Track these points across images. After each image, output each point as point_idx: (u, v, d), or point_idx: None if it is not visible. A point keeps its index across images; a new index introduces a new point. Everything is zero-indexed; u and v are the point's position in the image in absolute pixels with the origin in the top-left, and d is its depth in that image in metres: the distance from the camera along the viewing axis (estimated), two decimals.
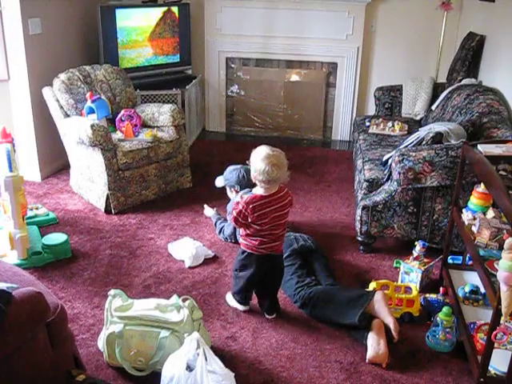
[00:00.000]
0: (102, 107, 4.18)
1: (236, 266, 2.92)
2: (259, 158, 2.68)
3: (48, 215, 3.90)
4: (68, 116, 4.23)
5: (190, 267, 3.38)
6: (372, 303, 2.76)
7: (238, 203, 2.74)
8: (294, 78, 6.05)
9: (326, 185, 4.78)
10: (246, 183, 3.75)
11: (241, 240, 2.89)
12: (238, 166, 3.85)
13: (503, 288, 2.01)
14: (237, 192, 3.80)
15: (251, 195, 2.75)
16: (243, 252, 2.85)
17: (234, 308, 2.99)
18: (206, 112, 6.29)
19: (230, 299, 3.02)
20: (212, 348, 2.48)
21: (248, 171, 3.79)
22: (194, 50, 5.92)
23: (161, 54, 5.55)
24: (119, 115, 4.31)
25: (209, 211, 4.01)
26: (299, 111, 6.13)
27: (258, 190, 2.75)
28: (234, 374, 2.22)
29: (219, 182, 3.98)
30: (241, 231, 2.86)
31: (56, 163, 4.82)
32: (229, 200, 3.87)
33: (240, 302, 2.98)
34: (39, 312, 1.97)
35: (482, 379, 2.26)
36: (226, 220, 3.77)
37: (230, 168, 3.90)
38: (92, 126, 3.84)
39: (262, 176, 2.66)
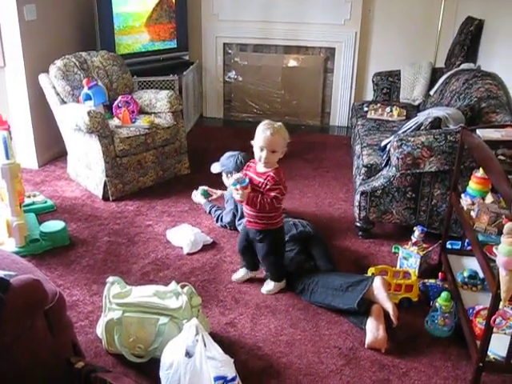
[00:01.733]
0: (98, 94, 4.16)
1: (275, 250, 2.98)
2: (276, 131, 2.75)
3: (45, 202, 3.89)
4: (65, 103, 4.21)
5: (188, 254, 3.38)
6: (371, 289, 2.75)
7: (274, 184, 2.75)
8: (292, 63, 6.02)
9: (324, 170, 4.77)
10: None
11: (272, 221, 2.89)
12: (235, 153, 3.84)
13: (502, 273, 2.01)
14: None
15: (276, 170, 2.80)
16: (280, 229, 2.96)
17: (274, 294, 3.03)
18: (203, 98, 6.27)
19: (271, 287, 3.03)
20: (211, 334, 2.48)
21: (246, 158, 3.79)
22: (191, 36, 5.87)
23: (158, 39, 5.50)
24: (116, 102, 4.28)
25: (199, 198, 4.00)
26: (297, 97, 6.10)
27: (274, 165, 2.82)
28: (233, 360, 2.22)
29: (215, 168, 3.96)
30: (272, 212, 2.85)
31: (53, 150, 4.80)
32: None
33: (282, 279, 3.05)
34: (37, 299, 1.97)
35: (480, 364, 2.27)
36: (219, 208, 3.76)
37: (227, 154, 3.88)
38: (89, 112, 3.81)
39: (287, 140, 2.82)
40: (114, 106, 4.29)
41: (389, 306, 2.68)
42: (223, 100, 6.26)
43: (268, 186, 2.77)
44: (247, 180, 2.76)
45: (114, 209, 3.94)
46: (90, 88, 4.10)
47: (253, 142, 2.80)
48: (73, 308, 2.82)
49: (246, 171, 2.88)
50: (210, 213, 3.83)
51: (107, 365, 2.45)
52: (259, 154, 2.77)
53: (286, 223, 3.31)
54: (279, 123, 2.80)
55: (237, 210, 3.57)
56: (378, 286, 2.75)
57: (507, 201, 2.09)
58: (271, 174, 2.77)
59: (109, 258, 3.32)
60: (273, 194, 2.76)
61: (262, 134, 2.73)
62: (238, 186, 2.74)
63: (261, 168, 2.81)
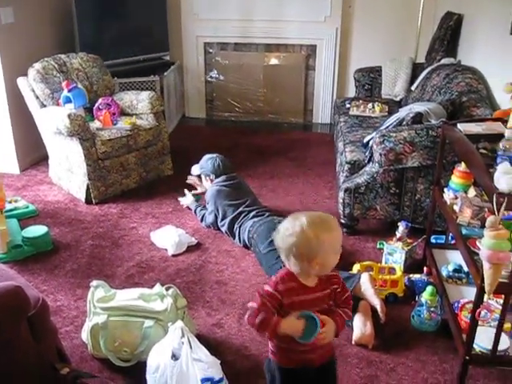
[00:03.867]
0: (78, 96, 4.12)
1: None
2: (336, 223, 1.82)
3: (27, 207, 3.85)
4: (44, 106, 4.16)
5: (173, 255, 3.36)
6: (358, 285, 2.77)
7: (341, 281, 1.91)
8: (274, 61, 6.01)
9: (307, 168, 4.77)
10: (220, 172, 3.74)
11: None
12: (214, 155, 3.84)
13: (486, 266, 2.01)
14: (211, 181, 3.78)
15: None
16: None
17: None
18: (185, 98, 6.24)
19: None
20: (197, 336, 2.47)
21: (223, 161, 3.79)
22: (172, 36, 5.84)
23: None
24: (97, 104, 4.25)
25: (187, 199, 3.97)
26: (279, 95, 6.10)
27: None
28: (219, 361, 2.21)
29: (195, 170, 3.96)
30: None
31: (34, 154, 4.75)
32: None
33: None
34: (19, 306, 1.94)
35: (467, 357, 2.27)
36: (205, 207, 3.75)
37: (206, 156, 3.88)
38: (69, 115, 3.77)
39: None
40: (94, 108, 4.25)
41: (376, 303, 2.69)
42: (205, 100, 6.24)
43: (340, 289, 1.89)
44: (317, 322, 1.75)
45: (98, 212, 3.91)
46: (69, 91, 4.07)
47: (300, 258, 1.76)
48: (57, 313, 2.79)
49: (290, 299, 1.79)
50: (195, 212, 3.81)
51: (93, 370, 2.43)
52: (332, 261, 1.80)
53: (271, 222, 3.30)
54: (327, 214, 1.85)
55: (218, 211, 3.56)
56: (364, 283, 2.77)
57: (489, 194, 2.10)
58: (329, 273, 1.85)
59: (93, 261, 3.29)
60: (347, 293, 1.93)
61: (330, 234, 1.76)
62: (318, 332, 1.76)
63: (311, 280, 1.82)
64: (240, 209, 3.51)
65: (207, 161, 3.83)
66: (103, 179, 4.04)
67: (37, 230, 3.41)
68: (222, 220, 3.54)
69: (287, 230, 1.77)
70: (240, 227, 3.44)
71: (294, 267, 1.79)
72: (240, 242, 3.45)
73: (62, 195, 4.17)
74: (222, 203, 3.56)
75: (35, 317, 2.03)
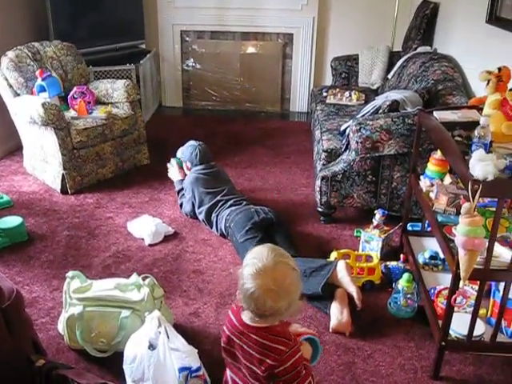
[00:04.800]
0: (53, 85, 4.06)
1: None
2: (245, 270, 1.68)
3: (2, 198, 3.79)
4: (18, 95, 4.09)
5: (150, 245, 3.33)
6: (335, 273, 2.78)
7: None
8: (251, 50, 5.99)
9: (285, 157, 4.77)
10: (196, 163, 3.71)
11: None
12: (196, 144, 3.81)
13: (461, 252, 2.03)
14: (188, 169, 3.76)
15: None
16: None
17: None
18: (162, 87, 6.19)
19: None
20: (175, 325, 2.46)
21: (203, 151, 3.75)
22: (147, 24, 5.78)
23: None
24: (71, 92, 4.19)
25: (174, 174, 3.93)
26: (256, 84, 6.08)
27: None
28: (197, 350, 2.21)
29: (179, 152, 3.94)
30: None
31: (8, 144, 4.68)
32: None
33: None
34: None
35: (443, 343, 2.29)
36: (184, 195, 3.73)
37: (189, 143, 3.86)
38: (43, 104, 3.72)
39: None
40: (69, 97, 4.19)
41: (353, 290, 2.70)
42: (182, 88, 6.19)
43: None
44: (313, 338, 1.87)
45: (73, 202, 3.87)
46: (43, 79, 4.00)
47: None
48: (33, 305, 2.76)
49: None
50: (178, 194, 3.80)
51: (70, 361, 2.41)
52: None
53: (248, 210, 3.30)
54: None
55: (195, 199, 3.55)
56: (341, 270, 2.78)
57: (464, 181, 2.11)
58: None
59: (69, 252, 3.26)
60: None
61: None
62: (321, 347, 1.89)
63: None
64: (217, 197, 3.50)
65: (188, 147, 3.80)
66: (79, 169, 4.00)
67: (11, 221, 3.36)
68: (199, 207, 3.52)
69: (280, 283, 1.62)
70: (217, 216, 3.43)
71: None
72: (217, 230, 3.44)
73: (37, 185, 4.12)
74: (200, 191, 3.54)
75: (9, 308, 2.00)
